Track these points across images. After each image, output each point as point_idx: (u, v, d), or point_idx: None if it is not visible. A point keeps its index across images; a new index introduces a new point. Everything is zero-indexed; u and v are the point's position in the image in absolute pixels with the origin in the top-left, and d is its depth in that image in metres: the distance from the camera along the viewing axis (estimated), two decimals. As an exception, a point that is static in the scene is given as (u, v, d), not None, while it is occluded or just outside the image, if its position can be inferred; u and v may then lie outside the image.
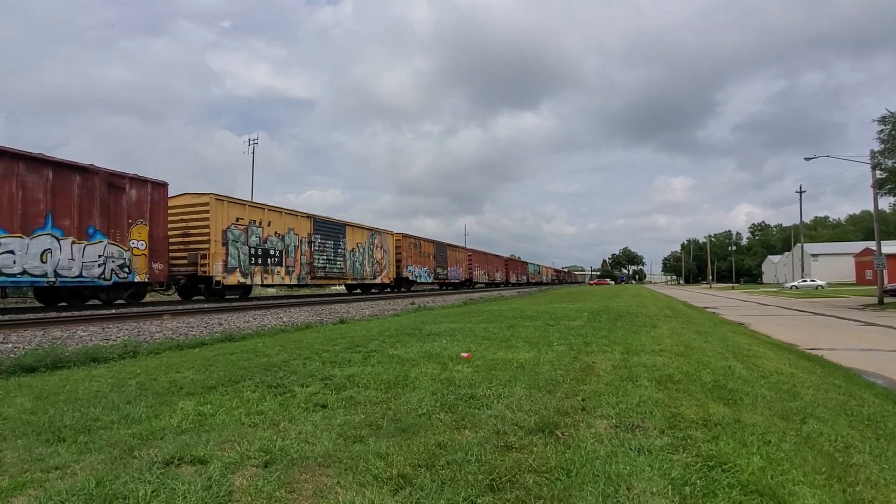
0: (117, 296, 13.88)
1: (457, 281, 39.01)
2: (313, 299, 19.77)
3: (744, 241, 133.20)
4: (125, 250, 13.05)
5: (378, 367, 5.12)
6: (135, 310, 11.97)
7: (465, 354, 5.75)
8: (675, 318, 11.97)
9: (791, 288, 52.60)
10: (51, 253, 11.34)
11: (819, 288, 51.47)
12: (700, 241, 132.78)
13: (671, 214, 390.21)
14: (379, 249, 26.69)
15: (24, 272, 10.87)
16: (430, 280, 33.51)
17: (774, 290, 53.90)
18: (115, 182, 12.93)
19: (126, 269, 13.10)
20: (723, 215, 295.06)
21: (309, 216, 20.94)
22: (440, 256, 35.06)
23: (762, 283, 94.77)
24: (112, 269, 12.72)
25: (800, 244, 60.80)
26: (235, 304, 15.33)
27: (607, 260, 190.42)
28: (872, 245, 32.57)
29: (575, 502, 2.12)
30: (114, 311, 11.87)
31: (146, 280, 13.80)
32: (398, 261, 28.86)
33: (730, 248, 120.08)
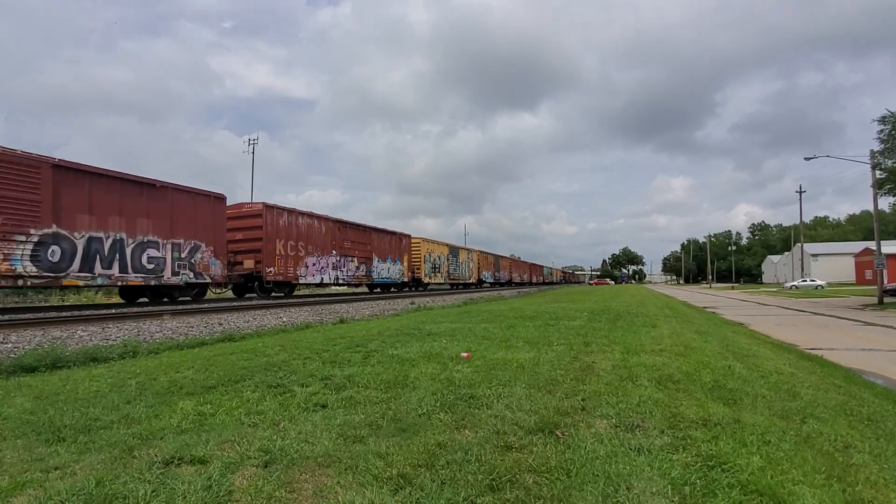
0: (399, 287, 29.53)
1: (503, 281, 54.24)
2: (313, 299, 19.80)
3: (744, 241, 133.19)
4: (402, 267, 28.81)
5: (378, 366, 5.12)
6: (134, 310, 11.98)
7: (464, 354, 5.76)
8: (675, 318, 11.98)
9: (791, 288, 52.60)
10: (388, 269, 27.04)
11: (819, 288, 51.46)
12: (700, 241, 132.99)
13: (671, 214, 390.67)
14: (471, 262, 42.66)
15: (383, 277, 26.38)
16: (491, 281, 48.67)
17: (774, 289, 53.91)
18: (400, 237, 28.89)
19: (403, 276, 28.72)
20: (722, 215, 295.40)
21: (447, 244, 36.87)
22: (496, 264, 51.64)
23: (762, 283, 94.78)
24: (400, 275, 28.36)
25: (800, 244, 60.79)
26: (235, 304, 15.37)
27: (607, 260, 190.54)
28: (872, 245, 32.56)
29: (575, 502, 2.12)
30: (114, 311, 11.88)
31: (408, 280, 29.62)
32: (479, 269, 44.71)
33: (729, 248, 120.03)
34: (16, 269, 10.49)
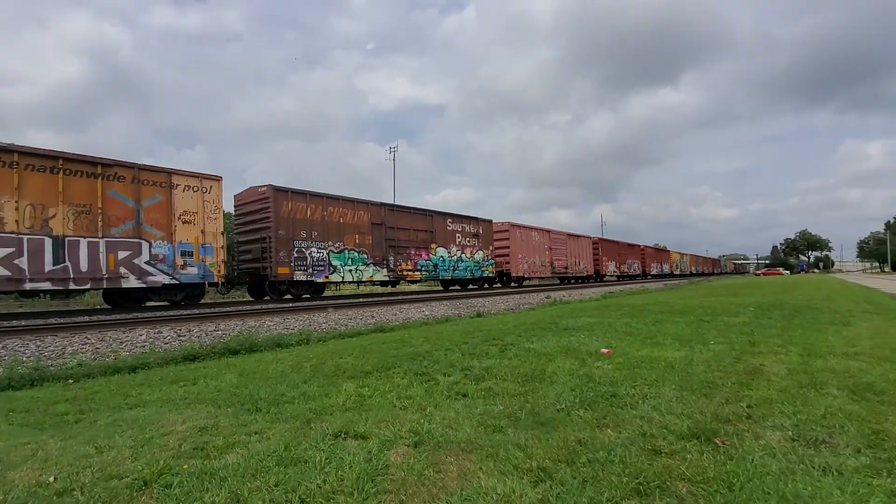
0: (668, 276, 53.95)
1: (698, 272, 71.90)
2: (451, 294, 20.73)
3: None
4: (669, 266, 57.11)
5: (515, 359, 5.19)
6: (304, 304, 13.93)
7: (604, 350, 5.50)
8: (877, 314, 9.75)
9: None
10: (662, 267, 53.86)
11: None
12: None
13: (866, 187, 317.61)
14: (687, 261, 63.33)
15: (656, 272, 51.07)
16: (697, 272, 68.32)
17: None
18: (668, 251, 58.16)
19: (669, 270, 57.86)
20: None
21: (679, 252, 60.48)
22: (696, 262, 72.78)
23: None
24: (668, 270, 56.30)
25: None
26: (383, 298, 16.88)
27: (779, 245, 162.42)
28: None
29: (739, 518, 1.91)
30: (290, 304, 13.97)
31: (670, 273, 56.78)
32: (690, 265, 65.55)
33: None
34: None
